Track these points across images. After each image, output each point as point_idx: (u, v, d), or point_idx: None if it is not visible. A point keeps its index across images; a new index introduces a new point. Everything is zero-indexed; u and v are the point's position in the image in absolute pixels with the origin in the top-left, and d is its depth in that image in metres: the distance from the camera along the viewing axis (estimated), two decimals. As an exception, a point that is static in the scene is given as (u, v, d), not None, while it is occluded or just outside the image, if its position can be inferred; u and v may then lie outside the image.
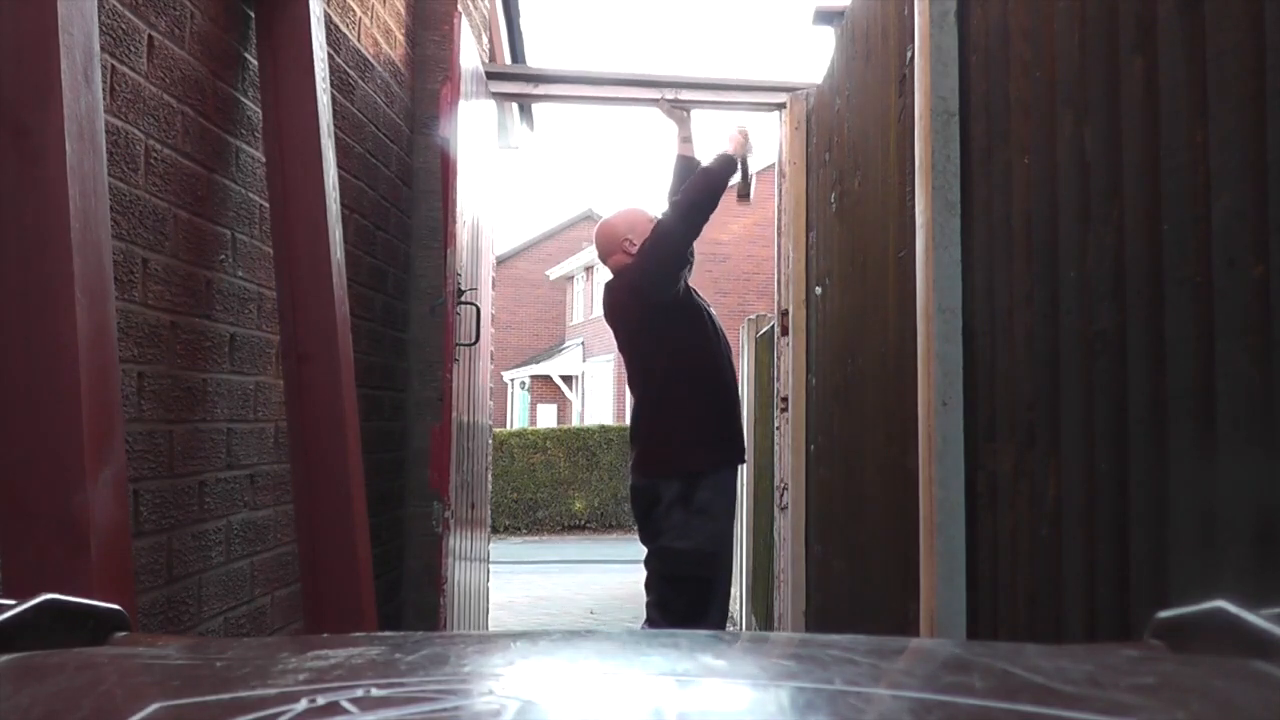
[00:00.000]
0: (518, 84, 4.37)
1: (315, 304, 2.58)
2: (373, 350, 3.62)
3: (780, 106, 4.05)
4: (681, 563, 2.98)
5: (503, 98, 4.53)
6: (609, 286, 3.41)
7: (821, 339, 3.56)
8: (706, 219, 3.10)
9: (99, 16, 1.75)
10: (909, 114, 2.18)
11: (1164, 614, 0.68)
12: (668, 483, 3.03)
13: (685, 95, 4.00)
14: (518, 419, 24.90)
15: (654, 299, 3.08)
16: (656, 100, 3.96)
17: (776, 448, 4.24)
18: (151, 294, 2.09)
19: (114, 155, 1.92)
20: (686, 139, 3.71)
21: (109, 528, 1.60)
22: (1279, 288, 1.02)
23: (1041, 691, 0.53)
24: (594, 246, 3.43)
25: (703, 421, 3.06)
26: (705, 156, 3.38)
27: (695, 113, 3.98)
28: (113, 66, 1.93)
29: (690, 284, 3.27)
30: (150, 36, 2.07)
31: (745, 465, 3.38)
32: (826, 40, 3.51)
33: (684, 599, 2.97)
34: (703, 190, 3.09)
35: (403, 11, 4.09)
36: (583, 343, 23.66)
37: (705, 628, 2.90)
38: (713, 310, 3.35)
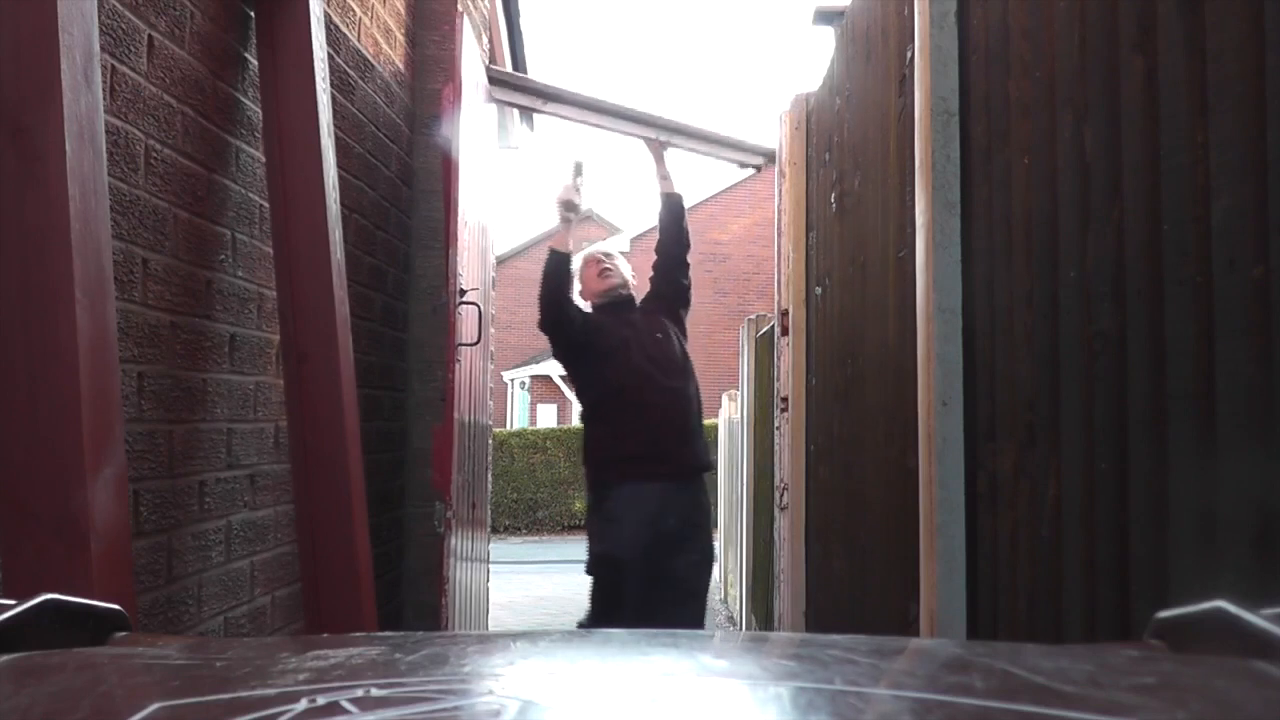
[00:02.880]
0: (522, 95, 4.39)
1: (315, 304, 2.58)
2: (373, 350, 3.62)
3: (757, 167, 4.18)
4: (594, 563, 3.39)
5: (504, 104, 4.55)
6: None
7: (821, 339, 3.56)
8: (549, 293, 3.45)
9: (99, 16, 1.75)
10: (909, 114, 2.18)
11: (1164, 614, 0.68)
12: (588, 494, 3.54)
13: (678, 141, 4.06)
14: (518, 419, 24.89)
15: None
16: (648, 140, 4.04)
17: (776, 448, 4.24)
18: (151, 294, 2.09)
19: (114, 155, 1.92)
20: (665, 177, 3.88)
21: (109, 528, 1.60)
22: (1279, 288, 1.02)
23: (1041, 691, 0.53)
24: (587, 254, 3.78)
25: (608, 442, 3.44)
26: (684, 190, 3.85)
27: (685, 153, 4.16)
28: (113, 66, 1.93)
29: (626, 313, 3.58)
30: (150, 36, 2.07)
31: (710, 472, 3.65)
32: (826, 40, 3.51)
33: (599, 596, 3.37)
34: (543, 275, 3.48)
35: (403, 11, 4.08)
36: (583, 343, 23.59)
37: (607, 616, 3.27)
38: (661, 334, 3.55)
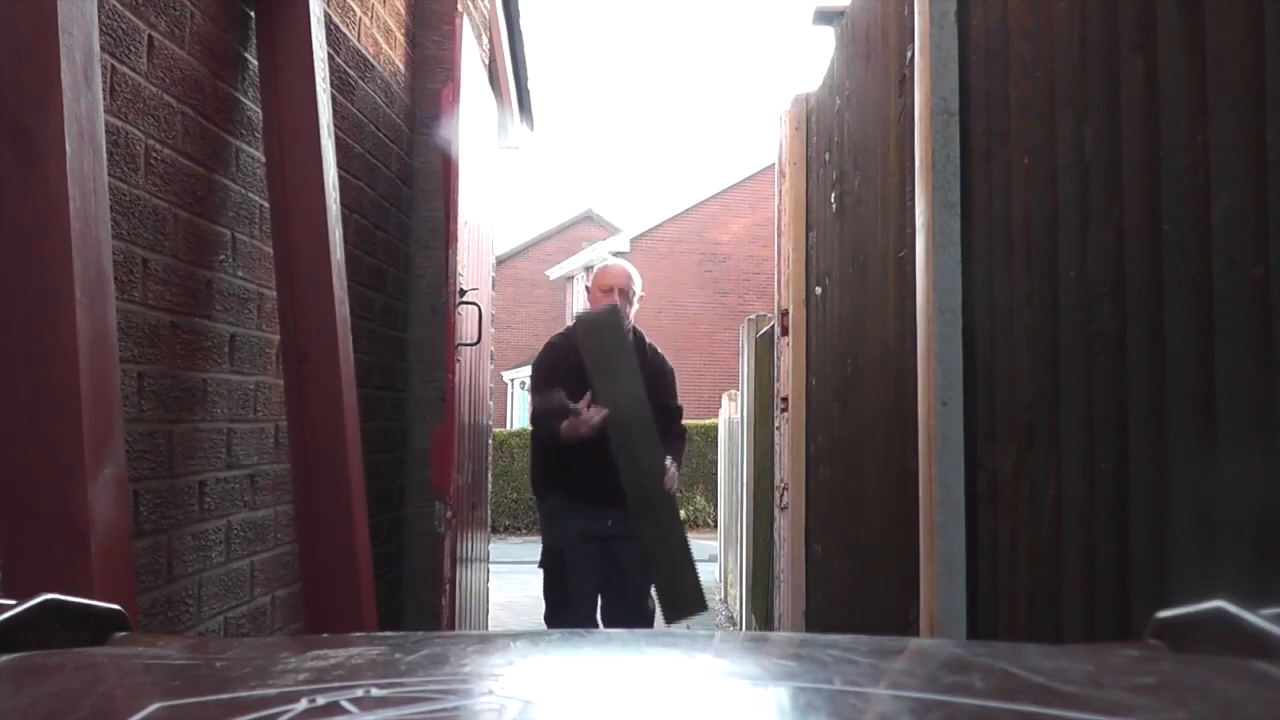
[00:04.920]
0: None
1: (315, 304, 2.58)
2: (373, 350, 3.62)
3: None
4: (543, 557, 3.77)
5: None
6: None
7: (821, 339, 3.56)
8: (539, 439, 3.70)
9: (99, 16, 1.75)
10: (909, 114, 2.18)
11: (1164, 614, 0.68)
12: (536, 498, 3.98)
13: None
14: (518, 419, 24.88)
15: None
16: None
17: (776, 448, 4.24)
18: (151, 294, 2.09)
19: (114, 155, 1.92)
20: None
21: (109, 528, 1.60)
22: (1279, 288, 1.02)
23: (1041, 691, 0.53)
24: (626, 276, 3.79)
25: (546, 465, 3.78)
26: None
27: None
28: (113, 66, 1.93)
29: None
30: (150, 36, 2.07)
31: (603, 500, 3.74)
32: (826, 40, 3.51)
33: (548, 588, 3.72)
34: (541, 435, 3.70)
35: (403, 11, 4.09)
36: (583, 343, 23.56)
37: (563, 616, 3.60)
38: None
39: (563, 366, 3.64)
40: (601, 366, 3.47)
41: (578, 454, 3.57)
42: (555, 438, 3.53)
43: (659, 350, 3.92)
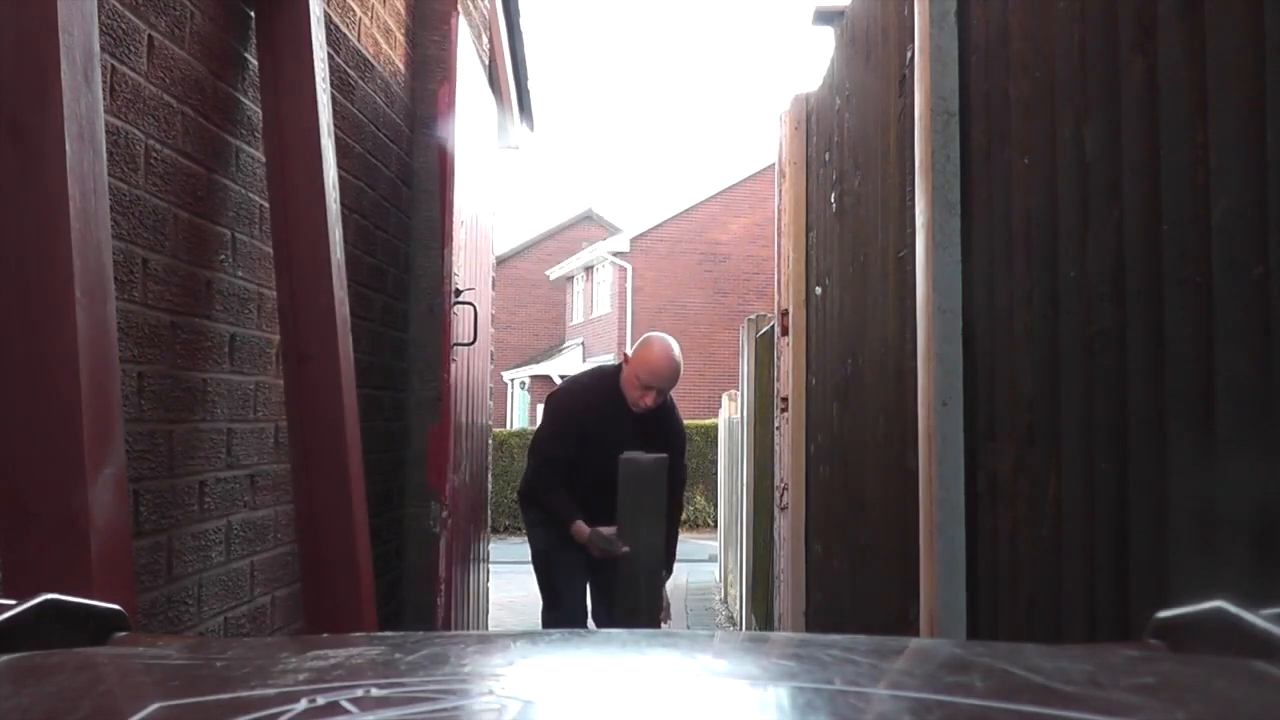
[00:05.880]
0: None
1: (315, 304, 2.58)
2: (373, 350, 3.62)
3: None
4: (533, 559, 3.94)
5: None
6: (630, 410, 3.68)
7: (821, 339, 3.56)
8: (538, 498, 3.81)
9: (99, 16, 1.75)
10: (909, 114, 2.18)
11: (1164, 614, 0.68)
12: (521, 509, 4.12)
13: None
14: (518, 419, 24.89)
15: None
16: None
17: (776, 448, 4.24)
18: (151, 294, 2.09)
19: (114, 155, 1.92)
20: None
21: (109, 528, 1.60)
22: (1279, 287, 1.02)
23: (1041, 691, 0.53)
24: (672, 379, 3.69)
25: (534, 486, 3.87)
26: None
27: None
28: (113, 66, 1.93)
29: (621, 411, 3.64)
30: (150, 36, 2.07)
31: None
32: (826, 40, 3.51)
33: (541, 583, 3.89)
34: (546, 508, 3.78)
35: (402, 11, 4.09)
36: (583, 343, 23.67)
37: (556, 613, 3.77)
38: (628, 438, 3.65)
39: (579, 422, 3.66)
40: (631, 509, 3.54)
41: (571, 483, 3.67)
42: (566, 528, 3.62)
43: (678, 412, 3.92)
